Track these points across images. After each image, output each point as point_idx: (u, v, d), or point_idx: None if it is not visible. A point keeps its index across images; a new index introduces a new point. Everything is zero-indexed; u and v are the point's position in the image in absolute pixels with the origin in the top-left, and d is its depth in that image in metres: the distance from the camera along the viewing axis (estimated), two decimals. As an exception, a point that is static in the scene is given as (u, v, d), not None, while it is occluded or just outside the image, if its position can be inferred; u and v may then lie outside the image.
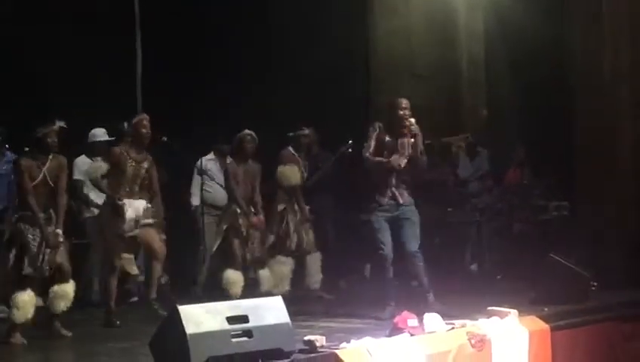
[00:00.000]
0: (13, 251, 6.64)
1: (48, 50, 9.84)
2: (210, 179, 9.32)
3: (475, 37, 12.40)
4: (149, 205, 7.45)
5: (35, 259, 6.61)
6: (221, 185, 9.04)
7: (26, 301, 6.54)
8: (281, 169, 8.81)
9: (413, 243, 7.22)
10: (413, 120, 7.16)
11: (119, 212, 7.24)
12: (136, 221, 7.32)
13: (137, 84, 9.87)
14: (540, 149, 10.42)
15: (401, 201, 7.23)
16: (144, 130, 7.43)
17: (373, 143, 7.18)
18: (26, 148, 7.43)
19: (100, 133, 8.81)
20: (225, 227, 8.32)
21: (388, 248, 7.16)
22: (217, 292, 8.17)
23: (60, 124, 6.85)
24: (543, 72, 11.44)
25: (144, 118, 7.49)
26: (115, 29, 10.08)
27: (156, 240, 7.50)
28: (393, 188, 7.21)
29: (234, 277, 8.14)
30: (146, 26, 9.99)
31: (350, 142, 9.33)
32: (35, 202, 6.66)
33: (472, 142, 10.47)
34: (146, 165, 7.47)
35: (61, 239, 6.75)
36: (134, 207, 7.32)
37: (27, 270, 6.60)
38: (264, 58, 11.41)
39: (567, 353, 6.75)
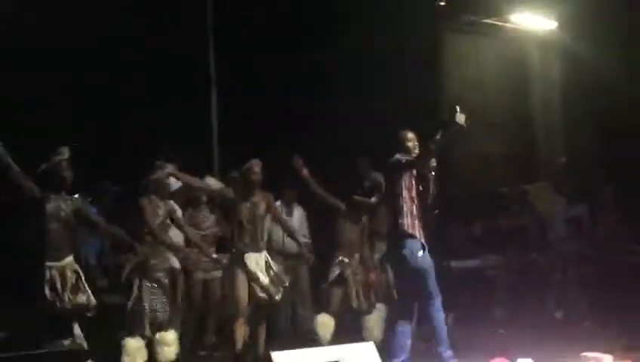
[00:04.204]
0: (133, 293, 6.82)
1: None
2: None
3: (550, 83, 12.30)
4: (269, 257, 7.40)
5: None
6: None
7: (135, 347, 6.63)
8: None
9: None
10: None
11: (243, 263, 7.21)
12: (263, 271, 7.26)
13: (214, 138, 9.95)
14: (625, 193, 10.18)
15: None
16: (254, 176, 7.31)
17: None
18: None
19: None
20: (335, 276, 8.11)
21: None
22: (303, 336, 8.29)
23: (173, 166, 7.15)
24: (623, 116, 11.24)
25: (254, 165, 7.35)
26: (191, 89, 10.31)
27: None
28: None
29: (326, 321, 8.04)
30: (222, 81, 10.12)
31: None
32: (171, 241, 7.22)
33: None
34: (263, 205, 7.39)
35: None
36: (254, 259, 7.25)
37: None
38: (340, 106, 11.39)
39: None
